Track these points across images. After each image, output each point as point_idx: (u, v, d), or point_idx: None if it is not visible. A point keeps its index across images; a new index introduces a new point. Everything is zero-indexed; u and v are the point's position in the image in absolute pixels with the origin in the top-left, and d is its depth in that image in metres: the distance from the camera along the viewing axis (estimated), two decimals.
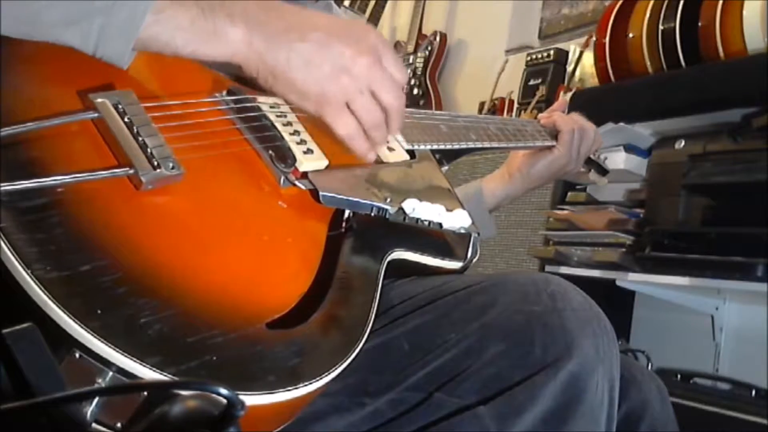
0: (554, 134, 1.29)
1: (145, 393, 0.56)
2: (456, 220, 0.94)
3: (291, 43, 0.77)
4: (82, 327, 0.57)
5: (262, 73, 0.77)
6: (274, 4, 0.78)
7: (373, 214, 0.87)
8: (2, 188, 0.61)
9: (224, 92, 0.86)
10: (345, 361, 0.71)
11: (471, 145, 1.11)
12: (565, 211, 2.08)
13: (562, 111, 1.42)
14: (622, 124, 1.92)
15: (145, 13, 0.69)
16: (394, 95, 0.83)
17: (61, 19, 0.67)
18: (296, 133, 0.86)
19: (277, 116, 0.86)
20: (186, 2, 0.72)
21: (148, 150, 0.70)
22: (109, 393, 0.58)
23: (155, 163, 0.70)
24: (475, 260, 0.98)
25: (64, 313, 0.57)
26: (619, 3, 2.08)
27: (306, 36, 0.77)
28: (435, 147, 1.05)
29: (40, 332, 0.48)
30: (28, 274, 0.57)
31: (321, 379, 0.67)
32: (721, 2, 1.80)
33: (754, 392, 1.77)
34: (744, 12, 1.77)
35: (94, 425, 0.57)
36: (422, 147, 1.03)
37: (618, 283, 1.96)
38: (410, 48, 3.52)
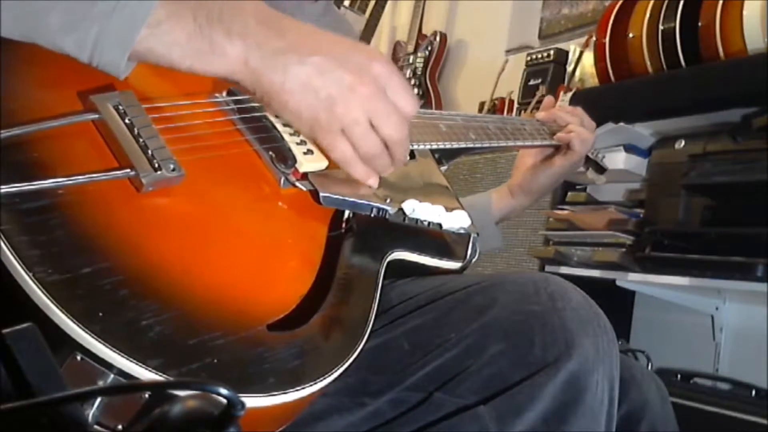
0: (553, 132, 1.29)
1: (147, 395, 0.57)
2: (455, 220, 0.94)
3: (288, 65, 0.73)
4: (83, 330, 0.57)
5: (258, 93, 0.75)
6: (276, 20, 0.76)
7: (372, 215, 0.87)
8: (3, 190, 0.61)
9: (225, 93, 0.86)
10: (346, 362, 0.71)
11: (470, 144, 1.11)
12: (565, 211, 2.08)
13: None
14: (622, 124, 1.93)
15: (142, 25, 0.68)
16: (395, 127, 0.78)
17: (61, 23, 0.67)
18: (296, 133, 0.85)
19: (277, 116, 0.86)
20: (184, 16, 0.70)
21: (149, 151, 0.70)
22: (108, 393, 0.58)
23: (156, 165, 0.70)
24: (474, 260, 0.98)
25: (66, 315, 0.57)
26: (619, 3, 2.08)
27: (305, 59, 0.74)
28: (434, 146, 1.05)
29: (40, 332, 0.48)
30: (29, 276, 0.57)
31: (322, 380, 0.67)
32: (721, 2, 1.80)
33: (754, 392, 1.77)
34: (744, 12, 1.77)
35: (95, 427, 0.57)
36: (421, 146, 1.03)
37: (618, 283, 1.97)
38: (410, 48, 3.52)
